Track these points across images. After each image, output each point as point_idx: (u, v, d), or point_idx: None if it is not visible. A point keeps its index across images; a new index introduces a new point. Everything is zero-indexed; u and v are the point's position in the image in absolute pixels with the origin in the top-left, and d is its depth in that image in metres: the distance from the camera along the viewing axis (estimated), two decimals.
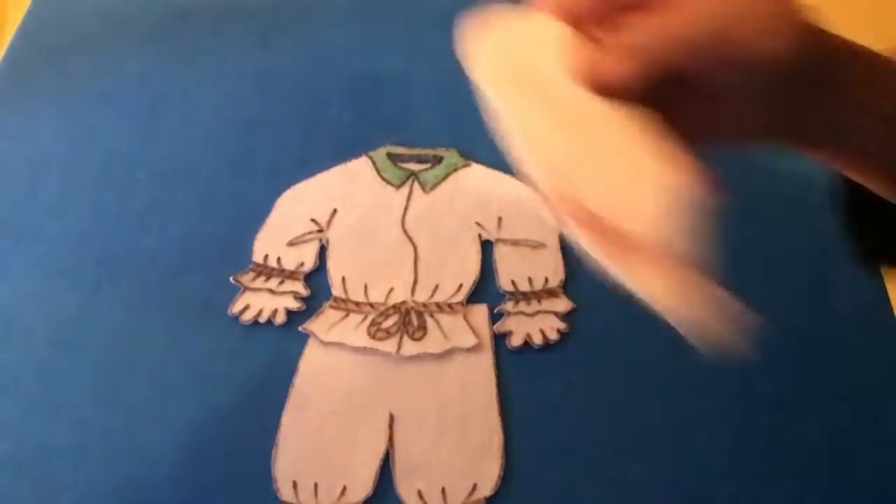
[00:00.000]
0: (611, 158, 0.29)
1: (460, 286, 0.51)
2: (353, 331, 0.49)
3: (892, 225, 0.34)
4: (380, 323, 0.49)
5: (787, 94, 0.28)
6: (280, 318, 0.50)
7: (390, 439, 0.46)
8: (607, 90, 0.27)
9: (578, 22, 0.28)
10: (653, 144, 0.28)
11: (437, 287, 0.51)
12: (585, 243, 0.29)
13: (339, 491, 0.44)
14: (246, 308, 0.50)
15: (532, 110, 0.29)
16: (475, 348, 0.49)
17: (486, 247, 0.53)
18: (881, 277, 0.52)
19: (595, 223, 0.28)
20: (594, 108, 0.28)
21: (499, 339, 0.50)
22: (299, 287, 0.51)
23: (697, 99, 0.28)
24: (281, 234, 0.54)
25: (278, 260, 0.52)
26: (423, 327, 0.49)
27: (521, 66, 0.30)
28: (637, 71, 0.26)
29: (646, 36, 0.26)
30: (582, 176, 0.28)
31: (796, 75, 0.27)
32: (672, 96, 0.28)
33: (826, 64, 0.27)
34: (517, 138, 0.29)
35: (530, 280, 0.52)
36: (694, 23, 0.26)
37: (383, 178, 0.56)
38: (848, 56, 0.28)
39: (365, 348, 0.49)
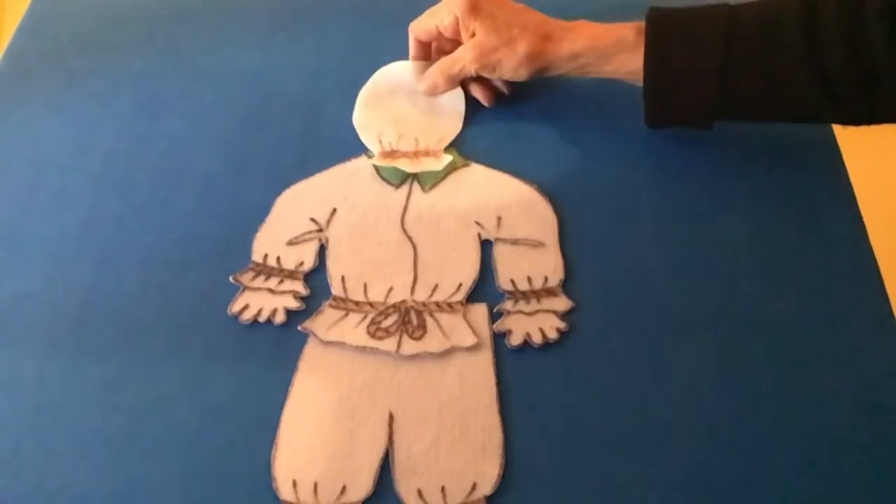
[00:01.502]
0: (412, 128, 0.60)
1: (460, 285, 0.51)
2: (352, 330, 0.49)
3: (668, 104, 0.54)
4: (379, 322, 0.49)
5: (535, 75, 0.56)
6: (279, 318, 0.50)
7: (390, 438, 0.46)
8: (435, 90, 0.60)
9: (426, 56, 0.61)
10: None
11: (436, 286, 0.51)
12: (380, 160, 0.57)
13: (338, 490, 0.44)
14: (245, 307, 0.50)
15: (373, 108, 0.61)
16: (475, 347, 0.49)
17: (486, 246, 0.53)
18: (881, 278, 0.52)
19: (391, 154, 0.58)
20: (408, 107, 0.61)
21: (498, 339, 0.50)
22: (299, 286, 0.51)
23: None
24: (280, 234, 0.54)
25: (278, 259, 0.53)
26: (422, 326, 0.49)
27: (379, 88, 0.62)
28: (446, 83, 0.59)
29: (441, 66, 0.59)
30: (391, 134, 0.59)
31: (532, 75, 0.56)
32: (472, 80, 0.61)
33: (546, 70, 0.56)
34: (361, 122, 0.60)
35: (529, 279, 0.52)
36: (469, 60, 0.57)
37: (383, 178, 0.56)
38: (555, 62, 0.55)
39: (364, 347, 0.49)
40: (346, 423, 0.46)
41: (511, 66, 0.55)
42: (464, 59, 0.57)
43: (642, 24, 0.53)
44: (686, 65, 0.51)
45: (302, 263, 0.52)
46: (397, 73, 0.62)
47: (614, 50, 0.53)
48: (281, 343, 0.49)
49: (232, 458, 0.45)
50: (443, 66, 0.58)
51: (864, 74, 0.49)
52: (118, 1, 0.69)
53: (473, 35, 0.56)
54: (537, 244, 0.53)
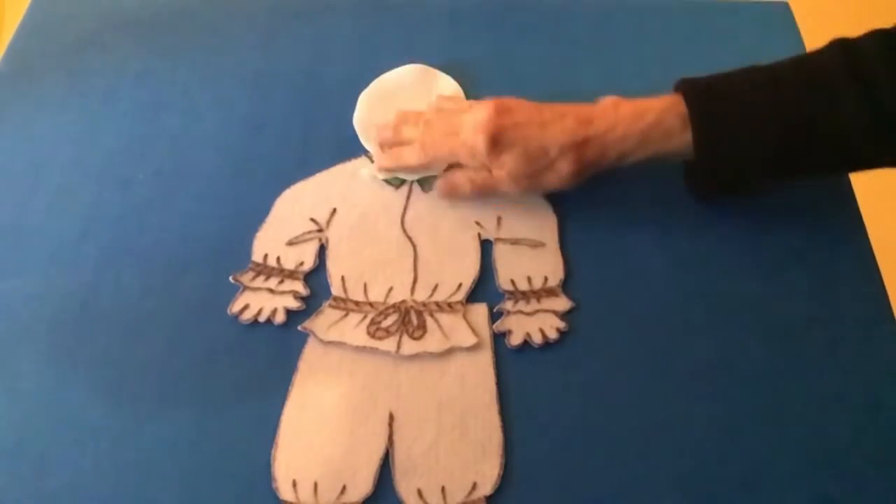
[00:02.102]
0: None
1: (460, 285, 0.51)
2: (352, 330, 0.49)
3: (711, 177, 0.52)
4: (379, 322, 0.49)
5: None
6: (279, 318, 0.50)
7: (390, 438, 0.46)
8: (453, 194, 0.55)
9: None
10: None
11: (436, 286, 0.51)
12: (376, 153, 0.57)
13: (338, 490, 0.44)
14: (245, 307, 0.50)
15: (374, 112, 0.59)
16: (475, 347, 0.49)
17: (486, 246, 0.53)
18: (881, 278, 0.52)
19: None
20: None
21: (498, 339, 0.50)
22: (299, 286, 0.51)
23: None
24: (280, 234, 0.54)
25: (278, 259, 0.53)
26: (422, 326, 0.49)
27: (380, 92, 0.61)
28: (473, 194, 0.54)
29: (475, 183, 0.53)
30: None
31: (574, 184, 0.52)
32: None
33: (591, 171, 0.52)
34: (362, 126, 0.59)
35: (529, 279, 0.52)
36: (509, 187, 0.52)
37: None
38: (603, 164, 0.51)
39: (364, 347, 0.49)
40: (346, 423, 0.46)
41: (556, 185, 0.52)
42: (501, 185, 0.52)
43: (680, 103, 0.49)
44: (739, 144, 0.49)
45: (302, 263, 0.52)
46: (398, 77, 0.62)
47: (661, 140, 0.50)
48: (281, 343, 0.49)
49: (232, 458, 0.45)
50: (476, 183, 0.53)
51: None
52: (118, 1, 0.69)
53: (504, 165, 0.51)
54: (537, 244, 0.53)
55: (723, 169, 0.50)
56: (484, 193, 0.53)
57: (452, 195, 0.54)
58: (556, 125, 0.50)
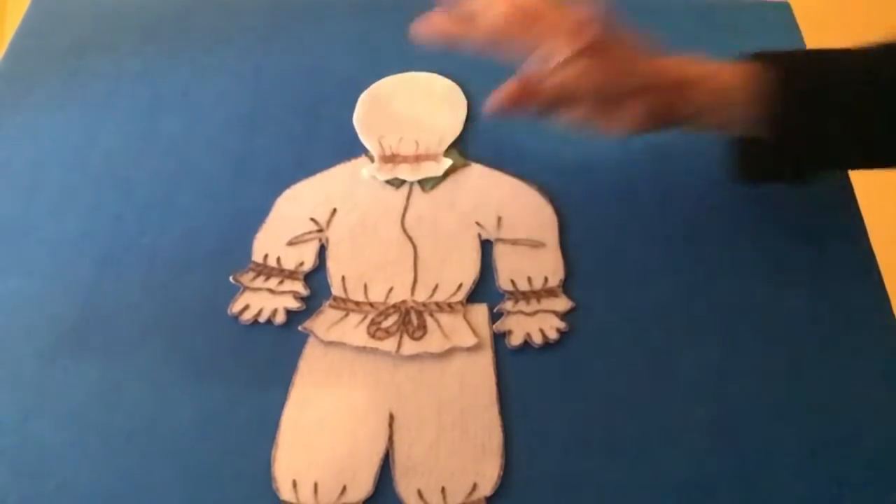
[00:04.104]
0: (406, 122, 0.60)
1: (460, 286, 0.51)
2: (352, 330, 0.49)
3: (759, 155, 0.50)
4: (379, 322, 0.49)
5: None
6: (280, 318, 0.50)
7: (390, 438, 0.46)
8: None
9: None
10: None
11: (436, 286, 0.51)
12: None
13: (338, 490, 0.44)
14: (246, 308, 0.50)
15: (374, 111, 0.60)
16: (475, 348, 0.49)
17: (486, 246, 0.53)
18: (881, 278, 0.52)
19: (392, 158, 0.57)
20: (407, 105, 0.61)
21: (498, 339, 0.50)
22: (299, 287, 0.51)
23: None
24: (280, 234, 0.54)
25: (278, 259, 0.53)
26: (422, 327, 0.49)
27: (380, 91, 0.61)
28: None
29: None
30: (392, 137, 0.58)
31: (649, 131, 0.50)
32: None
33: (656, 122, 0.49)
34: (363, 125, 0.59)
35: (530, 279, 0.52)
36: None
37: None
38: (670, 120, 0.49)
39: (365, 348, 0.49)
40: (346, 423, 0.46)
41: (623, 126, 0.49)
42: (578, 83, 0.47)
43: (760, 76, 0.47)
44: (823, 126, 0.47)
45: (302, 264, 0.52)
46: (398, 80, 0.62)
47: (741, 113, 0.47)
48: (281, 343, 0.49)
49: (232, 458, 0.45)
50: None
51: None
52: (118, 1, 0.69)
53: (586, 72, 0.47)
54: (537, 244, 0.53)
55: (801, 150, 0.48)
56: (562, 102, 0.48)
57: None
58: (647, 63, 0.48)
